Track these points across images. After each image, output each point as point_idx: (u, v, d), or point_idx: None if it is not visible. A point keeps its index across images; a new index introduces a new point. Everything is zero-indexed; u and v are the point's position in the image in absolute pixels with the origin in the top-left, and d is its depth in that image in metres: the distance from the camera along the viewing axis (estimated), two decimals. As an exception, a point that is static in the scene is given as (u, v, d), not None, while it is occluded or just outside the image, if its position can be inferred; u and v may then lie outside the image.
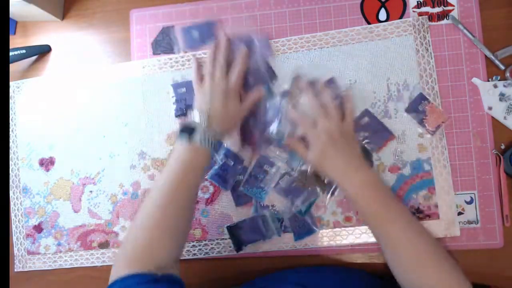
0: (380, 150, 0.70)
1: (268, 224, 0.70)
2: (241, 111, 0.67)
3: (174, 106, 0.76)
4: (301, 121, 0.65)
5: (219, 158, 0.71)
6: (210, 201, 0.74)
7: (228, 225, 0.71)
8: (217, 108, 0.64)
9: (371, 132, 0.69)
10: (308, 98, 0.66)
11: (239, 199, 0.72)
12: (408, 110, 0.70)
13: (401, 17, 0.72)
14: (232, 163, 0.72)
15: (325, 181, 0.69)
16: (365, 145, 0.70)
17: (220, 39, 0.71)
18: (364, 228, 0.69)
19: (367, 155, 0.69)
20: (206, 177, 0.72)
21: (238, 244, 0.71)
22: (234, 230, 0.71)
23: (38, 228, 0.78)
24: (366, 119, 0.70)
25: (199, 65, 0.72)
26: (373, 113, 0.70)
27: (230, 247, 0.72)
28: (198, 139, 0.60)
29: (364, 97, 0.70)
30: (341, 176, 0.60)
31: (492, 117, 0.69)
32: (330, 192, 0.70)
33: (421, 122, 0.69)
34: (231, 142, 0.71)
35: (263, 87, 0.69)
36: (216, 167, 0.72)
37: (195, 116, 0.65)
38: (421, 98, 0.69)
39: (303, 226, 0.69)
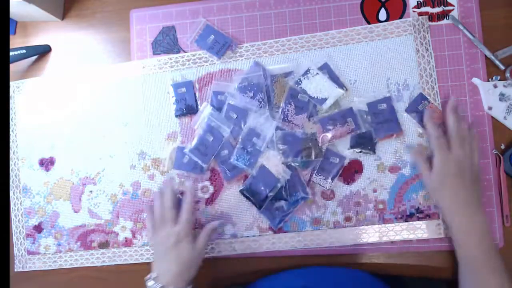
0: (382, 141, 0.70)
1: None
2: (197, 253, 0.64)
3: (174, 106, 0.76)
4: (437, 141, 0.63)
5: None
6: (210, 201, 0.74)
7: (241, 188, 0.71)
8: (169, 271, 0.61)
9: (382, 120, 0.69)
10: (451, 120, 0.64)
11: (228, 173, 0.72)
12: (408, 110, 0.70)
13: (401, 17, 0.73)
14: (212, 138, 0.72)
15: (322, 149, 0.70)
16: (371, 131, 0.70)
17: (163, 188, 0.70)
18: (364, 228, 0.69)
19: (370, 141, 0.69)
20: (185, 150, 0.73)
21: (259, 202, 0.70)
22: (248, 189, 0.70)
23: (38, 228, 0.78)
24: (384, 105, 0.70)
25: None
26: (393, 105, 0.70)
27: (230, 247, 0.72)
28: None
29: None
30: (454, 212, 0.59)
31: (492, 117, 0.69)
32: (331, 178, 0.70)
33: (421, 122, 0.69)
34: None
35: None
36: (195, 142, 0.72)
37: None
38: (421, 98, 0.69)
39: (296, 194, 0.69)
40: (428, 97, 0.69)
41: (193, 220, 0.65)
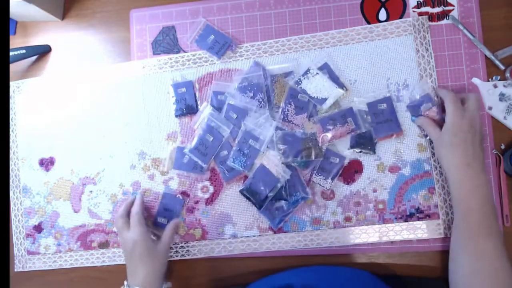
0: (381, 141, 0.70)
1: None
2: (160, 251, 0.66)
3: (174, 106, 0.76)
4: (451, 97, 0.62)
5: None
6: (210, 201, 0.74)
7: (240, 188, 0.71)
8: (136, 274, 0.63)
9: (382, 120, 0.69)
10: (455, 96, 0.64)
11: (227, 174, 0.72)
12: (409, 107, 0.70)
13: (401, 17, 0.73)
14: (212, 138, 0.72)
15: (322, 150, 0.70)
16: (371, 131, 0.70)
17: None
18: (364, 228, 0.69)
19: (370, 141, 0.69)
20: (185, 150, 0.73)
21: (259, 202, 0.70)
22: (248, 189, 0.70)
23: (38, 228, 0.78)
24: (384, 105, 0.70)
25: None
26: (393, 105, 0.70)
27: (230, 247, 0.72)
28: None
29: None
30: (462, 169, 0.59)
31: (492, 117, 0.69)
32: (331, 178, 0.70)
33: (415, 116, 0.68)
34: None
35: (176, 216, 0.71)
36: (195, 142, 0.73)
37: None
38: (427, 99, 0.68)
39: (296, 194, 0.69)
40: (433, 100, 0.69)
41: (144, 222, 0.68)
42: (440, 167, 0.68)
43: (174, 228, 0.69)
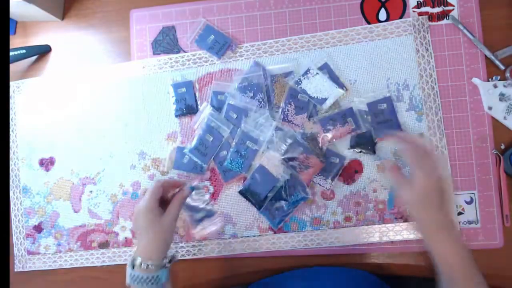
0: (382, 141, 0.70)
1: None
2: (164, 224, 0.59)
3: (174, 106, 0.76)
4: (411, 152, 0.57)
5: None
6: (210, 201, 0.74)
7: (240, 189, 0.71)
8: (140, 243, 0.59)
9: (382, 120, 0.69)
10: (415, 142, 0.59)
11: (226, 175, 0.72)
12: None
13: (401, 17, 0.72)
14: (211, 138, 0.72)
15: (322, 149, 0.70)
16: (371, 131, 0.69)
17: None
18: (364, 228, 0.69)
19: (370, 141, 0.69)
20: (185, 150, 0.73)
21: (259, 202, 0.70)
22: (247, 189, 0.70)
23: (38, 228, 0.78)
24: (384, 105, 0.70)
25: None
26: (393, 105, 0.70)
27: (230, 247, 0.72)
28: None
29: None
30: (436, 230, 0.56)
31: (492, 117, 0.69)
32: (331, 178, 0.70)
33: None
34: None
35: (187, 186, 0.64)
36: (195, 142, 0.72)
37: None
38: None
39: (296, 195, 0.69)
40: (428, 97, 0.69)
41: (155, 192, 0.61)
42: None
43: (181, 199, 0.63)
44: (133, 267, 0.56)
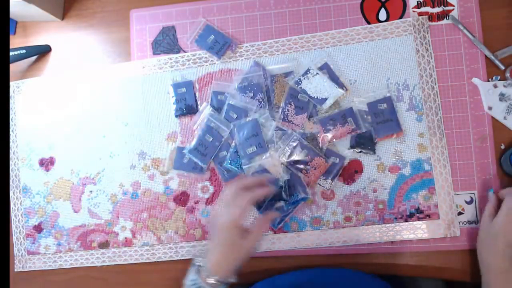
0: (381, 141, 0.70)
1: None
2: (245, 246, 0.57)
3: (174, 106, 0.76)
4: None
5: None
6: (210, 201, 0.74)
7: None
8: (212, 256, 0.57)
9: (382, 120, 0.69)
10: None
11: (226, 175, 0.73)
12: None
13: (401, 17, 0.72)
14: (211, 139, 0.72)
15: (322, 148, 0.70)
16: (371, 131, 0.69)
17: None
18: (364, 228, 0.69)
19: (370, 141, 0.69)
20: (185, 151, 0.73)
21: (258, 202, 0.69)
22: None
23: (38, 228, 0.78)
24: (384, 105, 0.70)
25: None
26: (393, 105, 0.70)
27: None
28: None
29: None
30: (503, 266, 0.57)
31: (492, 117, 0.69)
32: (331, 178, 0.70)
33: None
34: None
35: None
36: (195, 142, 0.72)
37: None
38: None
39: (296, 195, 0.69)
40: (428, 97, 0.69)
41: (248, 212, 0.59)
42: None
43: (265, 222, 0.59)
44: (197, 271, 0.56)
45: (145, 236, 0.75)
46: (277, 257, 0.72)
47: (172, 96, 0.76)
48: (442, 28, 0.71)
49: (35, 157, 0.80)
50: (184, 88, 0.75)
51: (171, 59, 0.77)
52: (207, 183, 0.74)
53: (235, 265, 0.57)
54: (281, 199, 0.69)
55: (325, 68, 0.72)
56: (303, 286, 0.64)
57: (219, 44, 0.75)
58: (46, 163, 0.79)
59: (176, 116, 0.76)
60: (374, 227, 0.69)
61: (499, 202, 0.63)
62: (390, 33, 0.72)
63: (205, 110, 0.74)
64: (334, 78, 0.72)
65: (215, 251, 0.57)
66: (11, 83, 0.82)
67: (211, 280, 0.55)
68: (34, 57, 0.82)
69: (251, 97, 0.72)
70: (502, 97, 0.68)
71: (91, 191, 0.77)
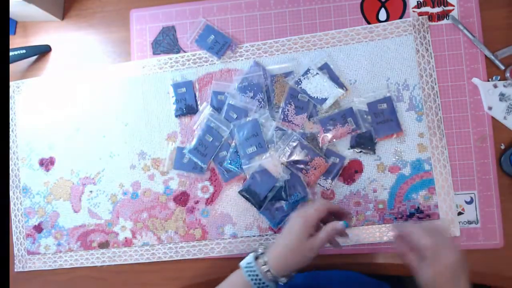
0: (382, 141, 0.70)
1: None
2: (307, 246, 0.57)
3: (174, 106, 0.76)
4: (428, 229, 0.54)
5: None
6: (210, 201, 0.74)
7: (240, 189, 0.71)
8: (275, 248, 0.57)
9: (382, 120, 0.69)
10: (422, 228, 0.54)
11: (226, 175, 0.72)
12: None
13: (401, 17, 0.73)
14: (211, 139, 0.72)
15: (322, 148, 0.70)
16: (371, 131, 0.70)
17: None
18: (364, 228, 0.69)
19: (370, 141, 0.69)
20: (185, 151, 0.73)
21: (258, 202, 0.70)
22: (247, 189, 0.70)
23: (38, 228, 0.78)
24: (384, 105, 0.70)
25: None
26: (393, 105, 0.70)
27: (230, 247, 0.72)
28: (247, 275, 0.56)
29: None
30: None
31: (492, 117, 0.69)
32: (331, 178, 0.70)
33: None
34: None
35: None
36: (195, 142, 0.73)
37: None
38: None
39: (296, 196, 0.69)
40: (428, 97, 0.69)
41: (320, 216, 0.57)
42: (440, 167, 0.68)
43: (334, 229, 0.58)
44: (255, 258, 0.56)
45: (145, 236, 0.75)
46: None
47: (172, 96, 0.76)
48: (442, 28, 0.71)
49: (35, 157, 0.80)
50: (184, 88, 0.75)
51: (171, 59, 0.77)
52: (207, 183, 0.74)
53: (295, 265, 0.57)
54: (281, 199, 0.69)
55: (325, 68, 0.72)
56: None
57: (219, 44, 0.75)
58: (46, 163, 0.79)
59: (176, 116, 0.76)
60: (374, 227, 0.69)
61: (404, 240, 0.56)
62: (390, 33, 0.72)
63: (205, 110, 0.74)
64: (334, 78, 0.72)
65: (279, 244, 0.58)
66: (11, 83, 0.82)
67: (266, 268, 0.55)
68: (34, 57, 0.82)
69: (251, 97, 0.72)
70: (502, 97, 0.68)
71: (91, 191, 0.77)
